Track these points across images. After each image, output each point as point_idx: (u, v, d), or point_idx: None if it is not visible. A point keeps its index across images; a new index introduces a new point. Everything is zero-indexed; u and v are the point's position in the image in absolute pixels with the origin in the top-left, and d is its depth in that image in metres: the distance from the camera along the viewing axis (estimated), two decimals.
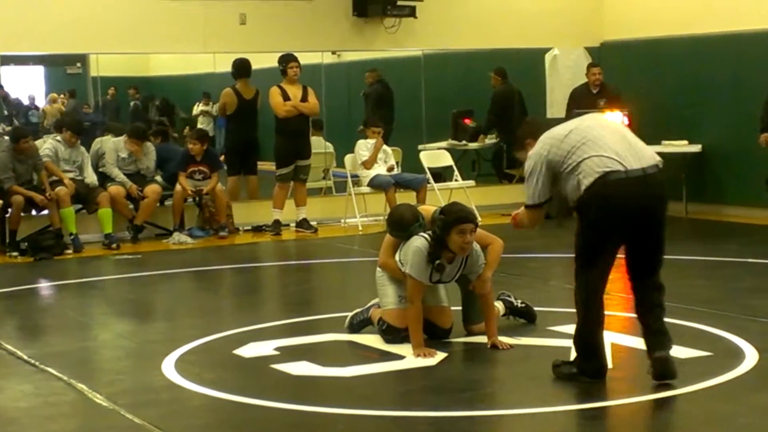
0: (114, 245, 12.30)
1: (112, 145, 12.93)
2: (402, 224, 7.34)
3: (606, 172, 6.08)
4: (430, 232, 7.14)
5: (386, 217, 7.58)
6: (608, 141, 6.20)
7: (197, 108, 18.93)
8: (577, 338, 6.41)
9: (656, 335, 6.37)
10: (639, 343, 7.17)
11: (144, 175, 12.92)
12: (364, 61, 17.03)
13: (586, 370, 6.35)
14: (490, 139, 15.79)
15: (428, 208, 7.61)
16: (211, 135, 16.99)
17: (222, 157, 14.25)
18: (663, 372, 6.25)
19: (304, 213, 13.53)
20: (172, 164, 13.29)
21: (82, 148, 12.83)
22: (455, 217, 6.97)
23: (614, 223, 6.18)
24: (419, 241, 7.09)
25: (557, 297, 9.07)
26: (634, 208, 6.17)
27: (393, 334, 7.30)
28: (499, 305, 7.71)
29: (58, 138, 12.66)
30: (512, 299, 7.94)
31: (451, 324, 7.48)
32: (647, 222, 6.27)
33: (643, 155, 6.24)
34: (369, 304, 7.74)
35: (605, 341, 6.48)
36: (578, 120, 6.50)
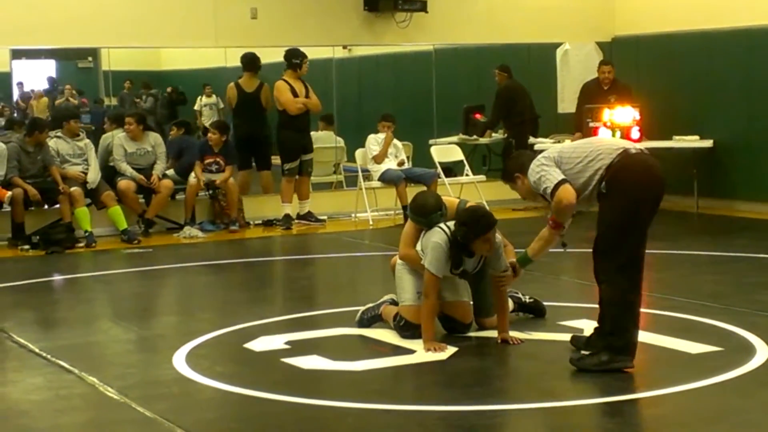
0: (135, 240, 12.32)
1: (118, 140, 12.96)
2: (424, 210, 7.33)
3: (625, 148, 6.47)
4: (450, 224, 7.13)
5: (410, 203, 7.60)
6: (612, 138, 6.68)
7: (200, 101, 18.92)
8: (609, 314, 6.41)
9: None
10: (650, 338, 7.20)
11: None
12: (375, 56, 17.04)
13: (617, 348, 6.35)
14: (497, 135, 15.79)
15: (452, 200, 7.61)
16: None
17: None
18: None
19: (308, 206, 13.59)
20: (187, 157, 13.32)
21: (87, 140, 12.84)
22: (479, 228, 6.96)
23: (645, 190, 6.39)
24: (439, 236, 7.08)
25: (568, 292, 9.08)
26: (657, 177, 6.48)
27: (411, 330, 7.28)
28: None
29: (59, 134, 12.67)
30: (519, 295, 7.93)
31: (472, 319, 7.48)
32: (662, 193, 6.51)
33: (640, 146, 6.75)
34: (381, 300, 7.73)
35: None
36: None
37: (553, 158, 6.51)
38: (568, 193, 6.39)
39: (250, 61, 13.74)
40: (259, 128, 13.82)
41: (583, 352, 6.55)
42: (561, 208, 6.47)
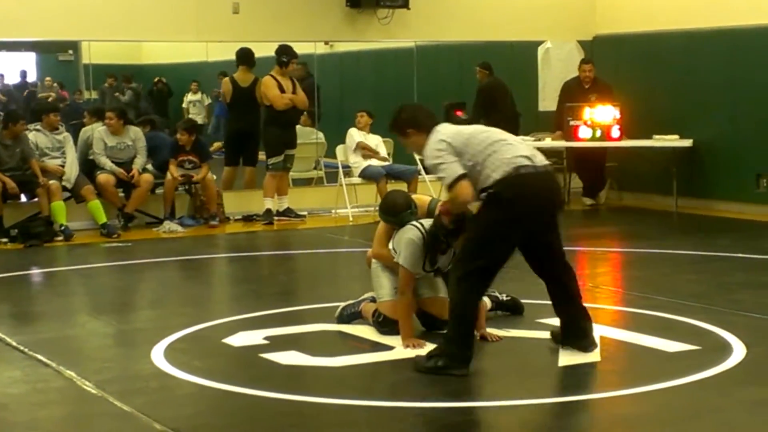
0: (114, 234, 12.29)
1: (98, 134, 12.91)
2: (394, 210, 7.36)
3: (518, 165, 6.29)
4: (424, 221, 7.14)
5: (379, 202, 7.61)
6: (514, 143, 6.48)
7: (186, 98, 18.86)
8: (458, 322, 6.42)
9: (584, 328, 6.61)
10: (628, 336, 7.24)
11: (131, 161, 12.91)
12: (356, 52, 17.02)
13: (458, 359, 6.36)
14: None
15: (423, 198, 7.62)
16: (201, 123, 16.95)
17: (215, 145, 14.26)
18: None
19: (286, 202, 13.59)
20: (161, 153, 13.29)
21: (66, 133, 12.81)
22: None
23: (525, 213, 6.32)
24: (412, 233, 7.10)
25: (546, 290, 9.07)
26: (544, 199, 6.41)
27: (389, 326, 7.29)
28: (485, 300, 7.70)
29: (38, 127, 12.63)
30: (497, 293, 7.94)
31: None
32: (552, 213, 6.49)
33: (542, 158, 6.52)
34: (361, 298, 7.74)
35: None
36: (480, 126, 6.77)
37: (455, 147, 6.36)
38: (465, 191, 6.29)
39: (245, 56, 13.72)
40: (252, 123, 13.78)
41: (424, 354, 6.59)
42: (457, 204, 6.45)
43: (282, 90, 13.23)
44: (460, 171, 6.27)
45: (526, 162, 6.34)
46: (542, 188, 6.38)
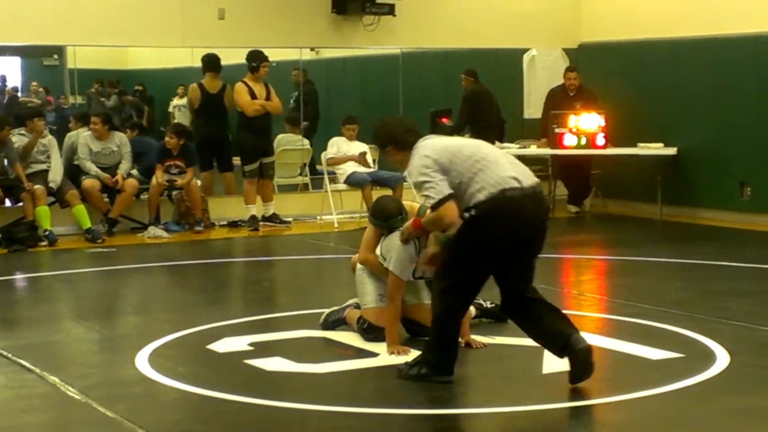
0: (99, 240, 12.26)
1: (83, 139, 12.89)
2: (385, 214, 7.34)
3: (504, 188, 6.14)
4: None
5: (365, 209, 7.60)
6: (503, 160, 6.31)
7: (172, 102, 18.87)
8: (440, 333, 6.39)
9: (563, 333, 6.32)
10: (612, 343, 7.25)
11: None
12: (342, 59, 17.05)
13: (440, 368, 6.36)
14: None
15: (413, 205, 7.63)
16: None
17: None
18: (585, 364, 6.22)
19: (272, 208, 13.58)
20: (147, 158, 13.27)
21: (51, 137, 12.79)
22: None
23: (508, 233, 6.18)
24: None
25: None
26: (528, 221, 6.22)
27: (374, 332, 7.30)
28: (470, 307, 7.71)
29: (22, 131, 12.61)
30: (481, 301, 7.95)
31: None
32: (536, 234, 6.31)
33: (530, 175, 6.34)
34: (345, 304, 7.74)
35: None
36: (465, 139, 6.58)
37: (441, 164, 6.21)
38: (452, 212, 6.14)
39: (212, 62, 13.70)
40: (220, 129, 13.79)
41: (408, 361, 6.58)
42: (440, 224, 6.32)
43: (254, 96, 13.19)
44: (448, 191, 6.12)
45: (514, 183, 6.18)
46: (526, 209, 6.20)
